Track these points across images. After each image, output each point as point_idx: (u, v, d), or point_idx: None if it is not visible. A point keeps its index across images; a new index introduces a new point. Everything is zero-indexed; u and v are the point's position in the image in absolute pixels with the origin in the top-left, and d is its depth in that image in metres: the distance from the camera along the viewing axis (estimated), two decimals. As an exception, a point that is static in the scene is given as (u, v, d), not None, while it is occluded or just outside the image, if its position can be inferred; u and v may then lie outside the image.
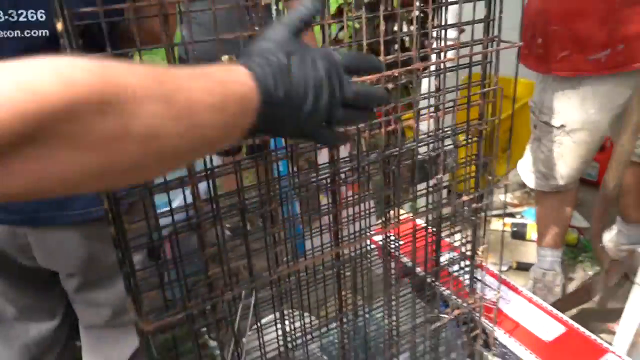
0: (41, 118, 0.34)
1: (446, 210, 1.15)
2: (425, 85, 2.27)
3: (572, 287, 2.05)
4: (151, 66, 0.42)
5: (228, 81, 0.47)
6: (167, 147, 0.42)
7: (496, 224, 2.46)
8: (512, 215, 2.56)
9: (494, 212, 2.57)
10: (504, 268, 2.17)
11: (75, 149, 0.37)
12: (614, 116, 1.64)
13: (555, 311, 1.30)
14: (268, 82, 0.50)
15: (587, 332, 1.24)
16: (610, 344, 1.54)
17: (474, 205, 1.11)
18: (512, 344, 1.23)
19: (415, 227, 1.10)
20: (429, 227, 1.13)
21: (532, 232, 2.36)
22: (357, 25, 3.38)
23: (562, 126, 1.65)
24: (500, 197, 2.69)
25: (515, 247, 2.37)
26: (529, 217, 2.49)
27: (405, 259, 1.38)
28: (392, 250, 1.21)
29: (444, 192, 1.15)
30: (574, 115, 1.63)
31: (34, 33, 0.99)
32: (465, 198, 1.10)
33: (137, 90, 0.39)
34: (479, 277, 1.20)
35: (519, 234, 2.39)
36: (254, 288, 0.79)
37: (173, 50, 0.67)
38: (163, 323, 0.63)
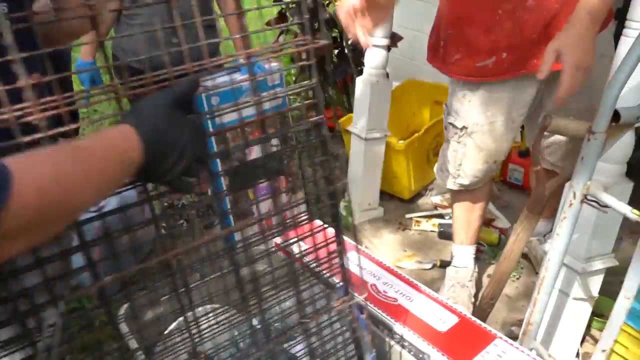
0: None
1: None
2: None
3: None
4: (74, 152, 0.60)
5: (125, 150, 0.66)
6: (88, 202, 0.62)
7: (425, 225, 2.55)
8: (441, 216, 2.66)
9: (423, 214, 2.68)
10: (428, 266, 2.26)
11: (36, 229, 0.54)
12: (512, 121, 1.73)
13: (448, 302, 1.38)
14: (150, 142, 0.68)
15: (478, 321, 1.33)
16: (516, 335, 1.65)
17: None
18: (411, 336, 1.30)
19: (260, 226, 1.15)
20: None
21: (458, 232, 2.46)
22: (296, 30, 3.41)
23: (464, 127, 1.75)
24: (431, 199, 2.80)
25: (444, 247, 2.47)
26: (456, 218, 2.60)
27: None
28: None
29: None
30: (473, 117, 1.73)
31: None
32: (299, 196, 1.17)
33: (69, 182, 0.57)
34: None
35: (445, 234, 2.48)
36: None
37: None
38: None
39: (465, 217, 1.93)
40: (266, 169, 0.92)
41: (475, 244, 2.00)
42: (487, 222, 2.56)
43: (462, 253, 1.98)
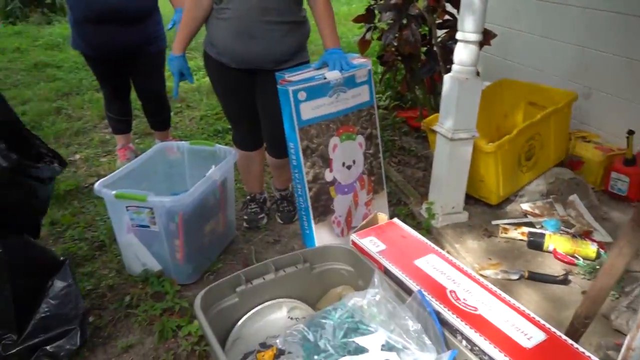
0: None
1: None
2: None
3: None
4: None
5: None
6: None
7: (513, 233, 2.40)
8: (531, 224, 2.48)
9: (512, 221, 2.51)
10: (515, 277, 2.12)
11: None
12: None
13: (535, 317, 1.27)
14: None
15: (569, 341, 1.20)
16: None
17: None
18: (492, 350, 1.21)
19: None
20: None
21: (549, 244, 2.28)
22: (384, 26, 3.36)
23: None
24: (521, 205, 2.63)
25: (533, 258, 2.30)
26: (548, 228, 2.41)
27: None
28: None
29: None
30: None
31: None
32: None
33: None
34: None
35: (535, 243, 2.31)
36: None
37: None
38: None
39: None
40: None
41: None
42: (584, 234, 2.36)
43: None
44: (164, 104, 3.15)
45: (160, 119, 3.19)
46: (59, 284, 1.76)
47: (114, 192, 1.99)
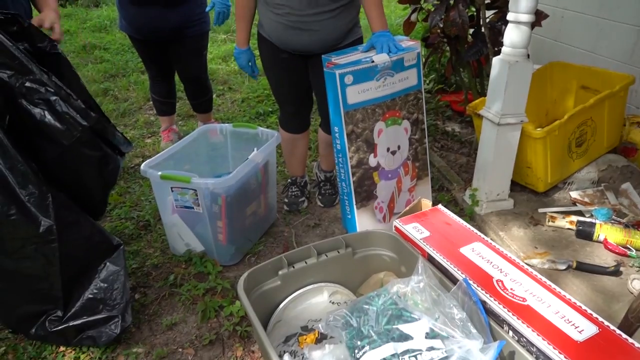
0: None
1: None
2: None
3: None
4: None
5: None
6: None
7: (561, 221, 2.32)
8: (580, 213, 2.40)
9: (560, 209, 2.43)
10: (562, 267, 2.05)
11: None
12: None
13: (587, 309, 1.22)
14: None
15: (624, 335, 1.15)
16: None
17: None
18: (540, 342, 1.17)
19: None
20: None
21: (600, 233, 2.19)
22: (430, 7, 3.26)
23: None
24: (570, 193, 2.54)
25: (581, 247, 2.22)
26: (599, 217, 2.31)
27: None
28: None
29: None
30: None
31: None
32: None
33: None
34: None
35: (584, 233, 2.22)
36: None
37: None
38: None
39: None
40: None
41: None
42: (637, 224, 2.26)
43: None
44: (206, 87, 3.17)
45: (202, 102, 3.22)
46: (111, 268, 1.78)
47: (159, 173, 2.02)
